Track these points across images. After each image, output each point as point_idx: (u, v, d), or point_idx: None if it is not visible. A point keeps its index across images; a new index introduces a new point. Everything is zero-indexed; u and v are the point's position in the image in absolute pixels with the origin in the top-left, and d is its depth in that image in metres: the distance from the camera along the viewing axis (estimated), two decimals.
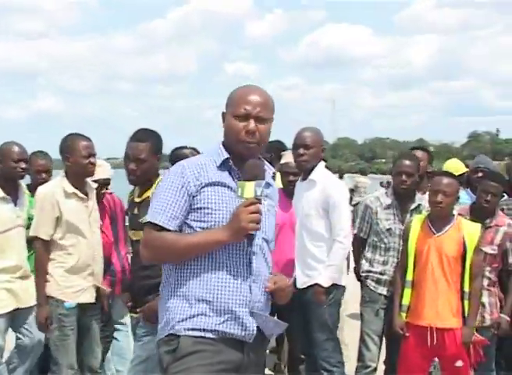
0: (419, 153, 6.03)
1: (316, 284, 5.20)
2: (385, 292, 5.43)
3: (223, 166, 2.99)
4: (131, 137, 4.53)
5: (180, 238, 2.91)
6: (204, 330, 2.88)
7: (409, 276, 5.06)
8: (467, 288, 4.92)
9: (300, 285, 5.29)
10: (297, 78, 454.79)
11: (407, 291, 5.06)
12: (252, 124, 2.95)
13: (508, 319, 5.44)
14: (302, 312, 5.34)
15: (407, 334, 5.03)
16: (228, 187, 2.96)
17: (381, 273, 5.46)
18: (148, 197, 4.32)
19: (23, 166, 5.35)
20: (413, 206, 5.46)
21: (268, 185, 3.05)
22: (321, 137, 5.42)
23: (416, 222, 5.14)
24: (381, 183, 22.05)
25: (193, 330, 2.88)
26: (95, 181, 5.28)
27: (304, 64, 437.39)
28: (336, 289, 5.30)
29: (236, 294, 2.91)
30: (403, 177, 5.40)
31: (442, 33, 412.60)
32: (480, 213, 5.44)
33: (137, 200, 4.55)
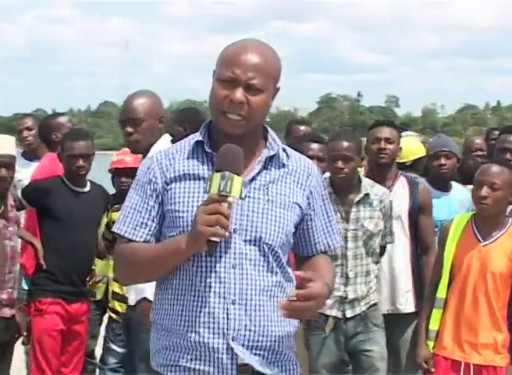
0: (386, 131, 4.73)
1: None
2: (334, 313, 4.25)
3: (198, 150, 2.46)
4: None
5: (142, 250, 2.45)
6: (172, 365, 2.44)
7: (441, 293, 4.02)
8: None
9: None
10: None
11: (437, 313, 4.03)
12: (239, 93, 2.36)
13: None
14: None
15: (433, 370, 4.01)
16: (201, 179, 2.43)
17: None
18: None
19: None
20: (358, 198, 4.29)
21: (251, 181, 2.42)
22: None
23: (458, 222, 4.08)
24: None
25: (163, 366, 2.47)
26: None
27: None
28: None
29: (208, 320, 2.39)
30: (339, 164, 4.24)
31: None
32: None
33: None
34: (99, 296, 5.31)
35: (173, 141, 5.67)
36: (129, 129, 4.08)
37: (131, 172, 5.15)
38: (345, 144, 4.29)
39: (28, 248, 4.89)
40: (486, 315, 3.90)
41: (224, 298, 2.38)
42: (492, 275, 3.88)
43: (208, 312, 2.38)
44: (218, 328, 2.38)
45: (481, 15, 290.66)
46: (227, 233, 2.30)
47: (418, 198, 4.64)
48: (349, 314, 4.25)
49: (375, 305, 4.37)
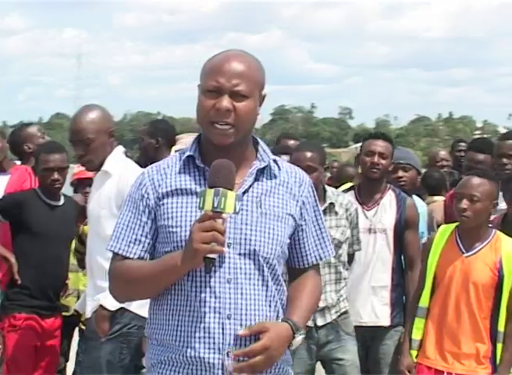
0: (381, 145, 4.66)
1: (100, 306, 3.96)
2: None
3: (190, 164, 2.43)
4: None
5: (137, 267, 2.41)
6: None
7: (423, 303, 4.01)
8: (501, 328, 3.86)
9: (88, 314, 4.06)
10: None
11: (419, 322, 4.02)
12: (224, 101, 2.34)
13: None
14: None
15: None
16: (193, 194, 2.39)
17: None
18: None
19: None
20: (323, 207, 4.19)
21: (243, 194, 2.39)
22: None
23: (442, 233, 4.06)
24: None
25: None
26: None
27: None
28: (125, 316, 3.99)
29: (203, 335, 2.35)
30: None
31: None
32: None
33: None
34: (72, 310, 5.22)
35: (145, 154, 5.64)
36: (80, 151, 4.01)
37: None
38: (308, 154, 4.30)
39: (2, 262, 4.79)
40: (468, 325, 3.87)
41: (219, 312, 2.35)
42: (474, 286, 3.85)
43: (204, 328, 2.35)
44: (214, 343, 2.35)
45: (433, 26, 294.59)
46: (224, 249, 2.27)
47: (405, 213, 4.62)
48: (320, 322, 4.25)
49: (345, 313, 4.37)
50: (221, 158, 2.33)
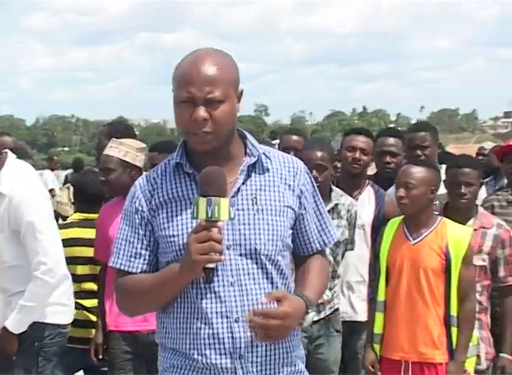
0: (363, 141, 4.71)
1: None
2: None
3: (179, 171, 2.40)
4: None
5: (140, 281, 2.39)
6: None
7: (380, 297, 4.04)
8: (454, 312, 3.90)
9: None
10: None
11: (379, 316, 4.04)
12: (200, 111, 2.27)
13: (510, 358, 4.32)
14: None
15: (379, 374, 4.01)
16: (186, 200, 2.36)
17: None
18: None
19: None
20: (328, 207, 4.17)
21: (236, 193, 2.36)
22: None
23: (390, 226, 4.12)
24: None
25: None
26: None
27: None
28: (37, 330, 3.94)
29: (213, 341, 2.32)
30: (314, 173, 4.20)
31: None
32: (456, 213, 4.29)
33: None
34: None
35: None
36: None
37: None
38: (319, 153, 4.28)
39: None
40: (422, 312, 3.89)
41: (227, 317, 2.32)
42: (424, 272, 3.88)
43: (213, 333, 2.32)
44: (225, 348, 2.32)
45: (344, 22, 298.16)
46: (222, 257, 2.23)
47: (384, 209, 4.62)
48: (315, 318, 4.26)
49: (337, 310, 4.40)
50: (208, 160, 2.30)
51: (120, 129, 5.37)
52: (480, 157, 8.94)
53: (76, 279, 4.52)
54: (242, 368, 2.33)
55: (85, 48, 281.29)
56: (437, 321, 3.91)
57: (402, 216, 4.12)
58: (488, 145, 9.51)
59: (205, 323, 2.33)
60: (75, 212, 5.02)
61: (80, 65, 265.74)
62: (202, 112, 2.27)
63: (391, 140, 5.03)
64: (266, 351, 2.35)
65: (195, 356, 2.35)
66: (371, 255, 4.55)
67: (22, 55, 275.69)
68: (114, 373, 4.32)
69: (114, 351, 4.29)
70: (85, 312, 4.64)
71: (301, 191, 2.46)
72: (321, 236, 2.54)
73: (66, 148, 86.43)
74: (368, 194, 4.72)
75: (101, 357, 4.44)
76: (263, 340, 2.26)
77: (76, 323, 4.39)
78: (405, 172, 4.02)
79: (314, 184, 2.55)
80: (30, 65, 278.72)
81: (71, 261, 4.45)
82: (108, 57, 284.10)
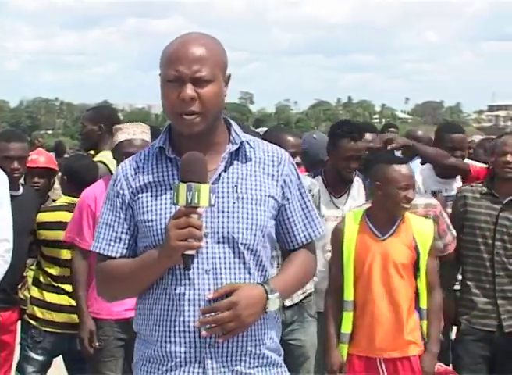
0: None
1: None
2: None
3: (162, 156, 2.38)
4: None
5: (119, 266, 2.37)
6: None
7: (348, 296, 3.96)
8: (424, 305, 3.95)
9: None
10: None
11: (348, 316, 3.96)
12: (188, 89, 2.25)
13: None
14: None
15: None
16: (167, 185, 2.35)
17: None
18: None
19: None
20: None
21: (217, 181, 2.34)
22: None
23: (350, 221, 4.04)
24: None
25: None
26: None
27: None
28: None
29: (182, 329, 2.29)
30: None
31: None
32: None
33: None
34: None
35: (87, 141, 5.31)
36: None
37: (43, 172, 5.03)
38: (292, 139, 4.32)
39: None
40: (395, 307, 3.89)
41: (199, 305, 2.28)
42: (395, 267, 3.88)
43: (183, 321, 2.29)
44: (194, 337, 2.28)
45: (333, 13, 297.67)
46: (202, 244, 2.22)
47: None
48: (287, 303, 4.23)
49: (310, 295, 4.39)
50: (192, 146, 2.28)
51: (104, 113, 5.32)
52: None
53: (60, 263, 4.52)
54: (211, 358, 2.29)
55: (74, 32, 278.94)
56: (411, 315, 3.95)
57: (360, 211, 4.09)
58: (476, 139, 9.58)
59: (177, 310, 2.30)
60: (64, 195, 4.90)
61: (67, 48, 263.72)
62: (189, 90, 2.26)
63: None
64: (234, 341, 2.30)
65: (164, 344, 2.31)
66: None
67: (9, 38, 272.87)
68: (104, 360, 4.29)
69: (106, 337, 4.27)
70: (67, 296, 4.57)
71: (285, 182, 2.41)
72: (306, 229, 2.47)
73: (50, 132, 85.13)
74: (357, 185, 4.72)
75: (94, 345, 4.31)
76: (224, 337, 2.25)
77: (57, 307, 4.43)
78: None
79: (300, 176, 2.49)
80: (16, 47, 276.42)
81: (56, 244, 4.47)
82: (96, 41, 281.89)
